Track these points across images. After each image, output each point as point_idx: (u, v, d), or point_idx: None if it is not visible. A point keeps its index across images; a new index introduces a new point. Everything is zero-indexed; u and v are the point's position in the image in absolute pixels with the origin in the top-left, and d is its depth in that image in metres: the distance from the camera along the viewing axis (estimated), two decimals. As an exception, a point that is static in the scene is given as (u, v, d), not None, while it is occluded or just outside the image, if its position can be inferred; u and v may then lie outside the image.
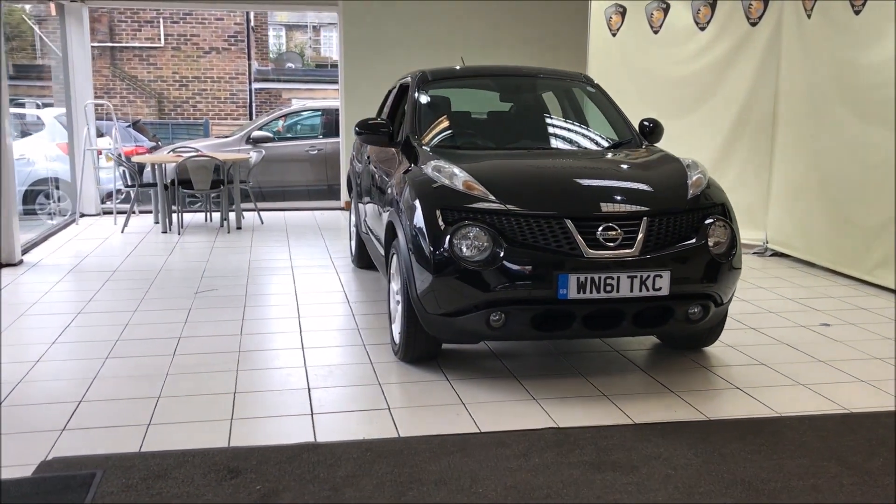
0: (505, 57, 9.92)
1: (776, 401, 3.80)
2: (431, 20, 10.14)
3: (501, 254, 3.68)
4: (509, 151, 4.76)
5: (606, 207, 3.81)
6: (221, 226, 8.95)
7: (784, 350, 4.58)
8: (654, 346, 4.65)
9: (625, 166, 4.35)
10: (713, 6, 7.83)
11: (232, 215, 8.83)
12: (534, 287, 3.69)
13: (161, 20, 17.65)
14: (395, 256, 4.38)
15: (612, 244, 3.72)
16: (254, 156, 9.14)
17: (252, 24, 19.03)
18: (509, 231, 3.74)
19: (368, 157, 5.63)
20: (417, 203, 3.96)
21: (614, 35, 8.93)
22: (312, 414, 3.61)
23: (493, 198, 3.84)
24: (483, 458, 3.15)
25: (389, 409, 3.67)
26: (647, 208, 3.84)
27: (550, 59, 10.15)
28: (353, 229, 6.75)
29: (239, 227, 8.80)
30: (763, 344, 4.69)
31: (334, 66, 29.28)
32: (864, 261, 6.27)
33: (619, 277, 3.67)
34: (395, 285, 4.39)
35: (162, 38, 17.72)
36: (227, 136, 11.67)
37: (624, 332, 3.96)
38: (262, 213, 9.45)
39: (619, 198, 3.90)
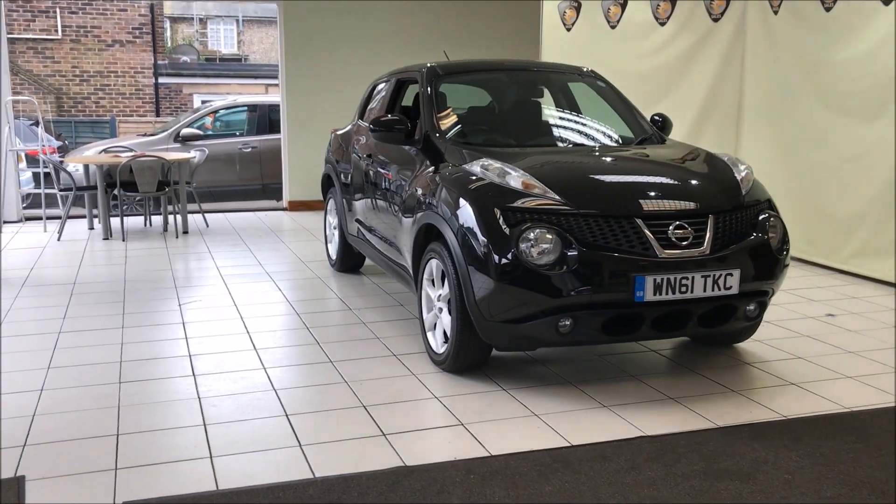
0: (455, 53, 9.72)
1: (838, 395, 3.81)
2: (377, 14, 9.85)
3: (572, 256, 3.52)
4: (544, 148, 4.59)
5: (675, 205, 3.71)
6: (165, 230, 8.38)
7: (811, 343, 4.62)
8: (683, 344, 4.60)
9: (677, 163, 4.25)
10: (673, 2, 7.92)
11: (178, 218, 8.28)
12: (608, 290, 3.54)
13: (58, 10, 16.45)
14: (430, 262, 4.15)
15: (683, 243, 3.62)
16: (197, 155, 8.61)
17: (156, 15, 18.04)
18: (577, 232, 3.58)
19: (369, 156, 5.33)
20: (471, 204, 3.74)
21: (569, 30, 8.90)
22: (385, 434, 3.34)
23: (557, 197, 3.67)
24: (593, 473, 2.98)
25: (464, 425, 3.44)
26: (713, 206, 3.76)
27: (500, 54, 10.06)
28: (334, 232, 6.42)
29: (185, 232, 8.26)
30: (787, 337, 4.72)
31: (226, 59, 28.28)
32: (840, 251, 6.46)
33: (693, 277, 3.58)
34: (433, 292, 4.15)
35: (59, 29, 16.52)
36: (152, 135, 10.97)
37: (688, 333, 3.88)
38: (204, 215, 8.91)
39: (685, 195, 3.81)
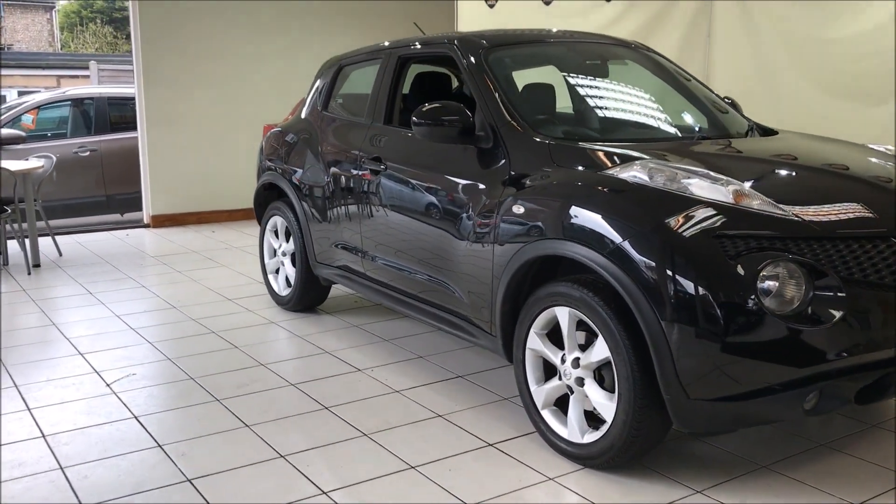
0: (357, 34, 8.32)
1: None
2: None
3: (836, 301, 2.42)
4: (678, 143, 3.43)
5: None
6: (6, 264, 6.30)
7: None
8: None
9: (871, 158, 3.24)
10: (621, -25, 7.05)
11: (28, 247, 6.22)
12: (880, 345, 2.48)
13: None
14: (549, 312, 2.89)
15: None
16: (45, 164, 6.57)
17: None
18: (837, 265, 2.48)
19: (375, 159, 3.90)
20: (661, 230, 2.53)
21: (492, 6, 7.83)
22: None
23: (791, 215, 2.55)
24: None
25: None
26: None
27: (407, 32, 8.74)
28: (283, 259, 4.88)
29: (37, 265, 6.23)
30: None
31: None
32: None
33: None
34: (558, 356, 2.90)
35: None
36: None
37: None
38: (55, 239, 6.86)
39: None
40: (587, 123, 3.70)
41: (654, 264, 2.51)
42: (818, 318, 2.40)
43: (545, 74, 3.86)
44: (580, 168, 2.95)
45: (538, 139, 3.18)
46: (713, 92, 4.09)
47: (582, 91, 3.81)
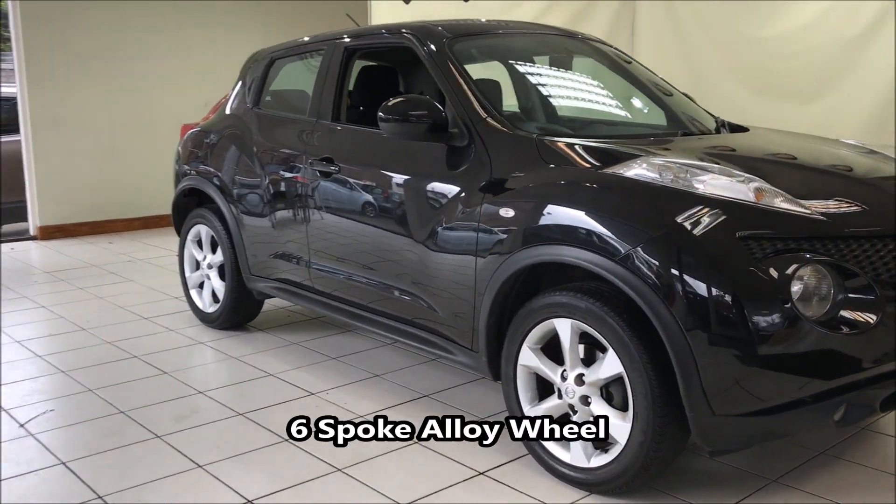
0: (262, 32, 7.89)
1: None
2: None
3: (871, 304, 2.27)
4: (664, 138, 3.21)
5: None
6: None
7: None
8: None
9: (864, 156, 3.12)
10: (542, -29, 6.91)
11: None
12: (913, 350, 2.35)
13: None
14: (545, 324, 2.64)
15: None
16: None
17: None
18: (868, 267, 2.33)
19: (326, 160, 3.53)
20: (679, 233, 2.31)
21: (407, 2, 7.53)
22: None
23: (816, 213, 2.38)
24: None
25: None
26: None
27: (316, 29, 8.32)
28: (209, 273, 4.43)
29: None
30: None
31: None
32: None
33: None
34: (556, 372, 2.65)
35: None
36: None
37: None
38: (-73, 256, 6.10)
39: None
40: (560, 118, 3.47)
41: (674, 270, 2.29)
42: (855, 324, 2.25)
43: (497, 69, 3.61)
44: (575, 166, 2.71)
45: (521, 134, 2.91)
46: (676, 89, 3.94)
47: (550, 84, 3.58)
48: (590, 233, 2.47)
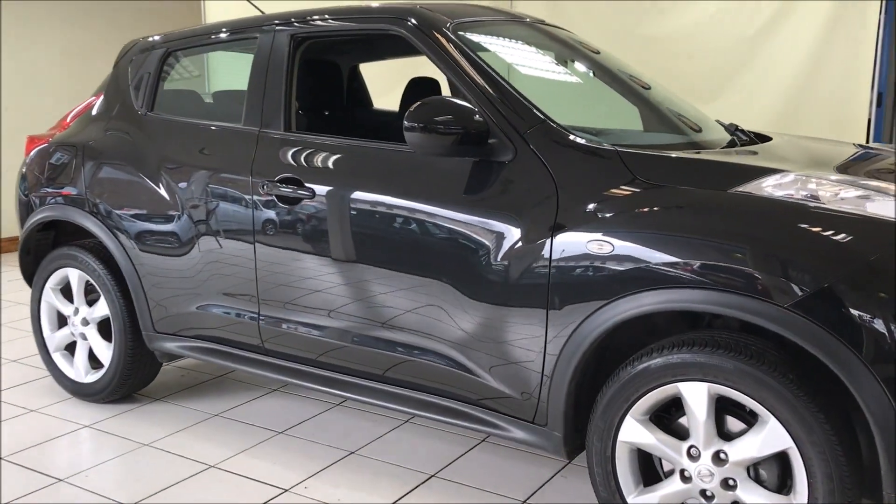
0: (102, 28, 6.59)
1: None
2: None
3: None
4: (732, 148, 2.65)
5: None
6: None
7: None
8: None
9: None
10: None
11: None
12: None
13: None
14: (647, 394, 2.06)
15: None
16: None
17: None
18: None
19: (299, 183, 2.66)
20: (878, 268, 1.81)
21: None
22: None
23: None
24: None
25: None
26: None
27: (136, 31, 7.09)
28: (85, 330, 3.36)
29: None
30: None
31: None
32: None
33: None
34: (689, 453, 2.06)
35: None
36: None
37: None
38: None
39: None
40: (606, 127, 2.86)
41: (877, 318, 1.79)
42: None
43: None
44: (689, 186, 2.12)
45: (595, 146, 2.29)
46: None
47: (562, 83, 2.98)
48: (741, 273, 1.91)
